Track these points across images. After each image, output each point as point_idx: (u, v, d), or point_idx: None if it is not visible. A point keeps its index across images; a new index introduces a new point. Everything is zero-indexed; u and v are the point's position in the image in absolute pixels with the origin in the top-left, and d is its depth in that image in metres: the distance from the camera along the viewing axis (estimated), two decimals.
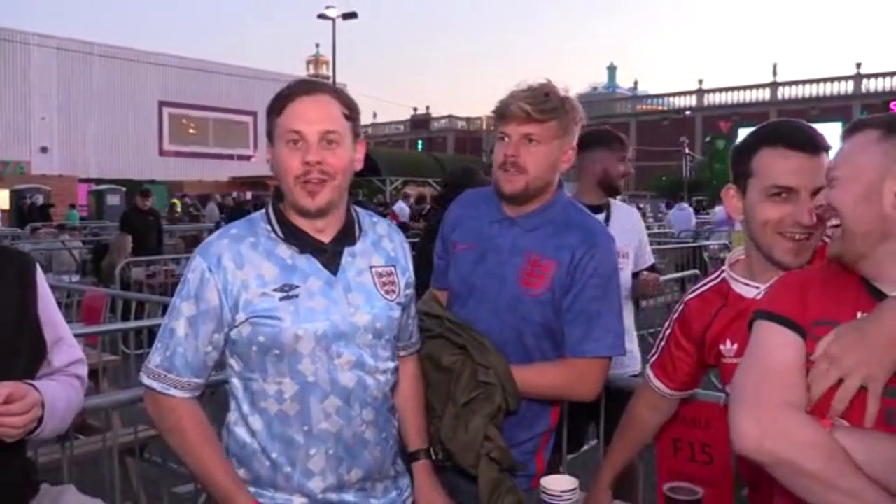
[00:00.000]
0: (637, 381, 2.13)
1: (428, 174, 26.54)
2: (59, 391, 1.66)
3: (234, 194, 30.40)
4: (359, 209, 1.76)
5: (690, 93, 51.85)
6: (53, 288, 1.85)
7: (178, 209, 23.63)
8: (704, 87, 51.04)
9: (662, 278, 3.54)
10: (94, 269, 10.46)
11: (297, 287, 1.58)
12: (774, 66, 53.30)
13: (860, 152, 1.26)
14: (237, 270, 1.57)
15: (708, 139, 39.88)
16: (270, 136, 1.63)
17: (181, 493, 3.58)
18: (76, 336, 1.89)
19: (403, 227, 12.35)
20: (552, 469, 2.08)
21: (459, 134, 59.99)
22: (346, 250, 1.66)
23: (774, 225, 1.56)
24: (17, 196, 25.60)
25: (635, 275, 3.28)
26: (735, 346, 1.64)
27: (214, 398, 2.33)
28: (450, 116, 62.15)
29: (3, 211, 25.55)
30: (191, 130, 42.11)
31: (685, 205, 17.98)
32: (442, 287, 2.14)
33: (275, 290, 1.57)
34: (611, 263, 1.95)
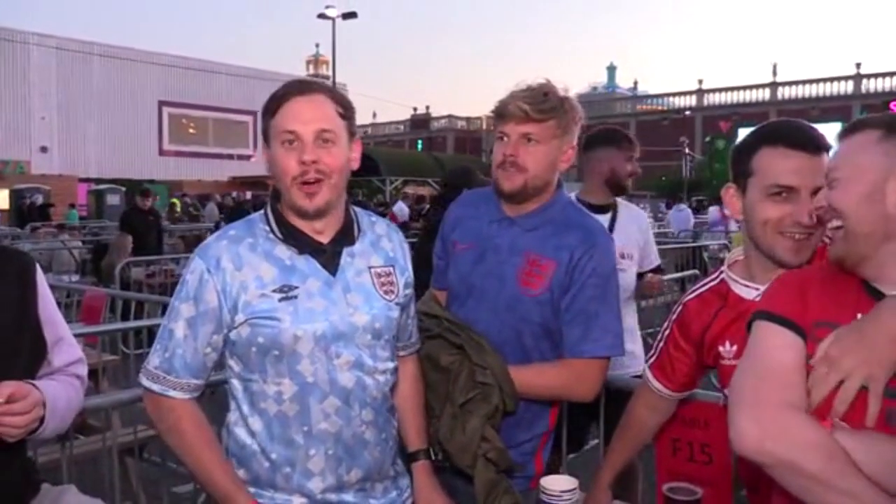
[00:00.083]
0: (636, 382, 2.13)
1: (428, 174, 26.54)
2: (60, 391, 1.66)
3: (234, 194, 30.38)
4: (357, 209, 1.76)
5: (690, 93, 51.84)
6: (53, 288, 1.85)
7: (178, 209, 23.62)
8: (704, 87, 51.04)
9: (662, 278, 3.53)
10: (94, 269, 10.46)
11: (296, 288, 1.58)
12: (774, 66, 53.36)
13: (861, 153, 1.26)
14: (236, 272, 1.57)
15: (708, 139, 39.91)
16: (266, 136, 1.63)
17: (181, 492, 3.58)
18: (76, 336, 1.89)
19: (403, 227, 12.35)
20: (552, 469, 2.08)
21: (459, 134, 59.97)
22: (345, 251, 1.66)
23: (774, 224, 1.56)
24: (16, 196, 25.61)
25: (640, 275, 3.26)
26: (734, 347, 1.64)
27: (214, 398, 2.33)
28: (450, 116, 62.13)
29: (3, 211, 25.55)
30: (191, 130, 42.07)
31: (683, 206, 18.03)
32: (441, 287, 2.14)
33: (274, 290, 1.57)
34: (609, 263, 1.95)
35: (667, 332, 1.83)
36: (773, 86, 47.62)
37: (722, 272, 1.75)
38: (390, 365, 1.70)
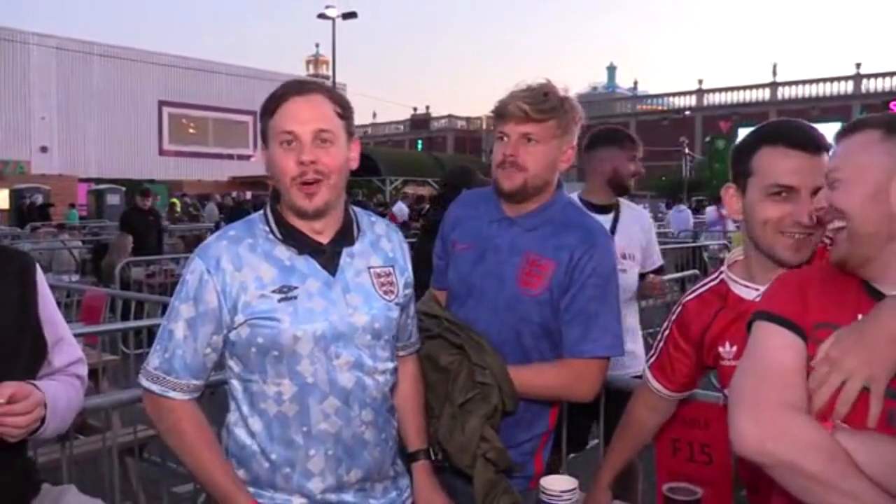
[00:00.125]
0: (636, 382, 2.13)
1: (428, 174, 26.54)
2: (61, 391, 1.66)
3: (234, 194, 30.38)
4: (357, 209, 1.76)
5: (690, 93, 51.80)
6: (53, 287, 1.85)
7: (178, 209, 23.62)
8: (704, 87, 51.00)
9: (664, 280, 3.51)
10: (94, 269, 10.46)
11: (296, 288, 1.58)
12: (774, 66, 53.32)
13: (862, 153, 1.25)
14: (236, 272, 1.57)
15: (708, 139, 39.89)
16: (264, 137, 1.62)
17: (180, 492, 3.58)
18: (76, 336, 1.89)
19: (403, 227, 12.34)
20: (552, 469, 2.08)
21: (459, 134, 59.92)
22: (345, 251, 1.66)
23: (774, 224, 1.56)
24: (16, 195, 25.62)
25: (643, 276, 3.25)
26: (734, 348, 1.64)
27: (214, 398, 2.33)
28: (449, 116, 62.07)
29: (3, 210, 25.55)
30: (191, 130, 42.06)
31: (683, 206, 18.04)
32: (441, 287, 2.14)
33: (273, 291, 1.57)
34: (609, 263, 1.95)
35: (666, 332, 1.83)
36: (773, 86, 47.58)
37: (721, 272, 1.74)
38: (390, 365, 1.70)
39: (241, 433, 1.63)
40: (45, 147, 35.56)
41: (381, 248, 1.73)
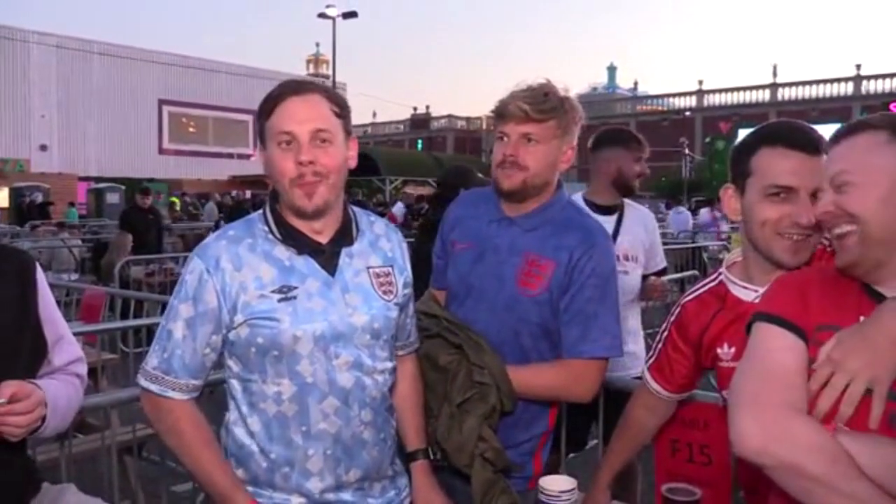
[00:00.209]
0: (636, 383, 2.13)
1: (427, 174, 26.52)
2: (61, 390, 1.66)
3: (234, 193, 30.36)
4: (356, 209, 1.76)
5: (690, 93, 51.80)
6: (52, 286, 1.85)
7: (178, 208, 23.61)
8: (704, 87, 51.00)
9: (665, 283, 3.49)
10: (94, 268, 10.47)
11: (296, 288, 1.58)
12: (774, 67, 53.39)
13: (871, 155, 1.23)
14: (235, 272, 1.57)
15: (708, 140, 39.90)
16: (262, 138, 1.62)
17: (179, 491, 3.58)
18: (75, 334, 1.89)
19: (402, 227, 12.33)
20: (551, 469, 2.08)
21: (459, 134, 59.90)
22: (344, 251, 1.66)
23: (773, 225, 1.55)
24: (16, 194, 25.60)
25: (645, 277, 3.23)
26: (732, 349, 1.64)
27: (213, 397, 2.33)
28: (449, 116, 62.05)
29: (3, 209, 25.53)
30: (190, 129, 42.07)
31: (682, 208, 18.06)
32: (441, 286, 2.14)
33: (273, 291, 1.57)
34: (609, 264, 1.95)
35: (665, 333, 1.83)
36: (773, 87, 47.58)
37: (720, 274, 1.74)
38: (389, 365, 1.70)
39: (239, 432, 1.63)
40: (44, 145, 35.57)
41: (380, 247, 1.73)
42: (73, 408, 1.73)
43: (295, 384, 1.57)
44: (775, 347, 1.24)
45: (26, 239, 13.41)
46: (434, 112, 64.09)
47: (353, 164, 1.67)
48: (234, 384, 1.64)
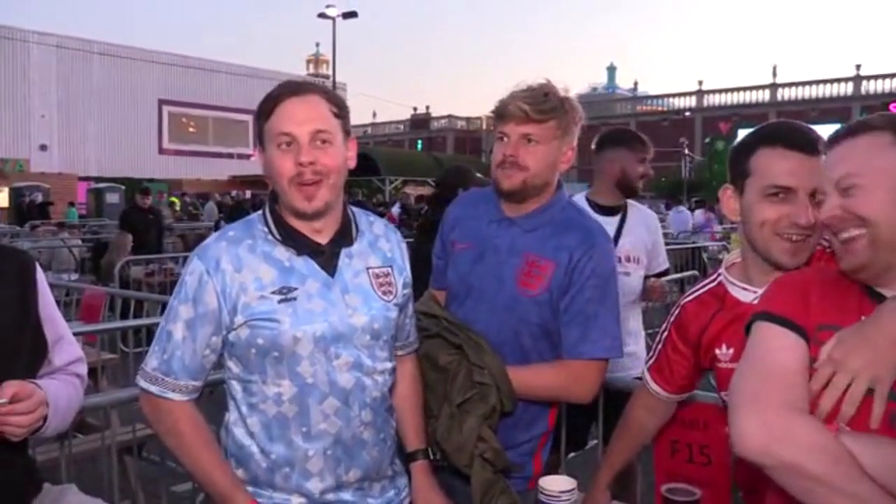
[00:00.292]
0: (636, 383, 2.13)
1: (427, 174, 26.54)
2: (61, 390, 1.66)
3: (234, 193, 30.36)
4: (355, 209, 1.76)
5: (690, 94, 51.74)
6: (52, 286, 1.85)
7: (178, 208, 23.61)
8: (704, 87, 50.95)
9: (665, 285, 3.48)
10: (93, 268, 10.47)
11: (296, 289, 1.58)
12: (774, 68, 53.29)
13: (875, 157, 1.22)
14: (235, 273, 1.57)
15: (707, 140, 39.85)
16: (261, 139, 1.62)
17: (179, 491, 3.58)
18: (75, 334, 1.89)
19: (400, 226, 12.33)
20: (551, 469, 2.08)
21: (459, 134, 59.84)
22: (343, 251, 1.66)
23: (772, 225, 1.55)
24: (16, 194, 25.60)
25: (647, 278, 3.22)
26: (731, 350, 1.64)
27: (213, 397, 2.33)
28: (449, 116, 61.98)
29: (3, 209, 25.53)
30: (190, 129, 42.08)
31: (682, 207, 18.07)
32: (441, 287, 2.14)
33: (273, 292, 1.57)
34: (609, 265, 1.95)
35: (665, 334, 1.83)
36: (773, 87, 47.54)
37: (720, 274, 1.74)
38: (389, 365, 1.70)
39: (239, 433, 1.63)
40: (44, 145, 35.58)
41: (380, 248, 1.73)
42: (73, 408, 1.73)
43: (295, 385, 1.57)
44: (776, 347, 1.24)
45: (26, 239, 13.41)
46: (434, 112, 64.05)
47: (352, 164, 1.67)
48: (234, 385, 1.64)
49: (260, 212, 1.69)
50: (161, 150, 40.60)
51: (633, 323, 3.17)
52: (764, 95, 47.81)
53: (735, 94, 49.34)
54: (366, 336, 1.63)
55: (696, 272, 8.85)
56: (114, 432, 2.94)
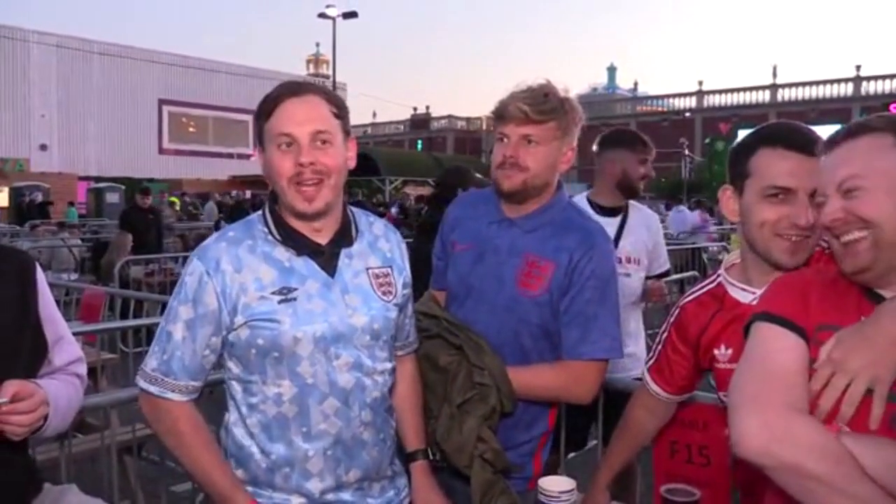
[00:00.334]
0: (636, 384, 2.13)
1: (427, 174, 26.55)
2: (62, 390, 1.66)
3: (234, 193, 30.36)
4: (355, 209, 1.76)
5: (690, 94, 51.73)
6: (52, 286, 1.86)
7: (178, 208, 23.60)
8: (704, 88, 50.94)
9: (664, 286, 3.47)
10: (93, 267, 10.47)
11: (296, 290, 1.58)
12: (774, 68, 53.30)
13: (877, 159, 1.22)
14: (235, 274, 1.57)
15: (707, 141, 39.82)
16: (260, 139, 1.62)
17: (179, 491, 3.58)
18: (75, 334, 1.89)
19: (397, 225, 12.31)
20: (551, 470, 2.08)
21: (459, 134, 59.82)
22: (343, 252, 1.66)
23: (772, 226, 1.55)
24: (16, 193, 25.60)
25: (648, 279, 3.21)
26: (730, 350, 1.64)
27: (213, 397, 2.33)
28: (449, 116, 61.95)
29: (3, 208, 25.53)
30: (190, 129, 42.10)
31: (682, 207, 18.07)
32: (441, 287, 2.14)
33: (273, 293, 1.57)
34: (609, 266, 1.95)
35: (665, 335, 1.83)
36: (773, 88, 47.52)
37: (719, 275, 1.74)
38: (388, 365, 1.70)
39: (239, 433, 1.63)
40: (44, 145, 35.59)
41: (379, 248, 1.73)
42: (73, 408, 1.73)
43: (295, 385, 1.58)
44: (776, 348, 1.24)
45: (26, 238, 13.40)
46: (434, 112, 64.01)
47: (352, 164, 1.67)
48: (234, 385, 1.64)
49: (260, 212, 1.68)
50: (161, 150, 40.61)
51: (633, 324, 3.17)
52: (764, 96, 47.80)
53: (735, 94, 49.33)
54: (366, 336, 1.63)
55: (695, 273, 8.85)
56: (113, 432, 2.94)
